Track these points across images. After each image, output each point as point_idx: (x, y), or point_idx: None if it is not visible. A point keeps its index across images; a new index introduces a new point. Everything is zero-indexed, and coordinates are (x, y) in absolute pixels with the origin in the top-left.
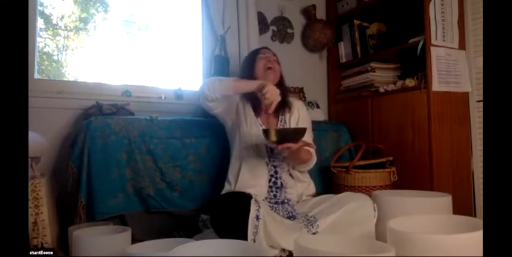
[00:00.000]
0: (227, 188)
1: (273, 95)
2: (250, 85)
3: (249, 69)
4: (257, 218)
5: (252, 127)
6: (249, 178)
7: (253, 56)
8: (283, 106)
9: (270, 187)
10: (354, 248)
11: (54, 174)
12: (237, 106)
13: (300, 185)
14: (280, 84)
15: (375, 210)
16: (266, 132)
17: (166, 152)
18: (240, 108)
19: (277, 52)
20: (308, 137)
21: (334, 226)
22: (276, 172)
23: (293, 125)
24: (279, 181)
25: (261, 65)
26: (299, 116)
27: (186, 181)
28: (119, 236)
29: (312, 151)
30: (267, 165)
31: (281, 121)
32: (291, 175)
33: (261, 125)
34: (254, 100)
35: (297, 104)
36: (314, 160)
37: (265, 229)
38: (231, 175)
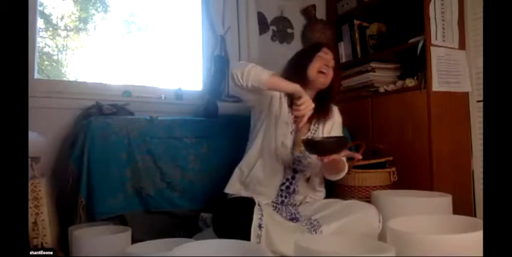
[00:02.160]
0: (238, 175)
1: (307, 108)
2: (286, 86)
3: (301, 65)
4: (259, 227)
5: (282, 123)
6: (262, 176)
7: (312, 53)
8: (323, 114)
9: (281, 190)
10: (354, 248)
11: (54, 174)
12: (272, 98)
13: (311, 193)
14: (329, 89)
15: (379, 221)
16: (308, 142)
17: (166, 152)
18: (275, 101)
19: (277, 52)
20: None
21: (337, 234)
22: (293, 177)
23: (325, 133)
24: (292, 187)
25: (316, 66)
26: (333, 124)
27: (186, 181)
28: (119, 236)
29: (344, 159)
30: (286, 168)
31: (314, 125)
32: (307, 181)
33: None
34: (292, 96)
35: (334, 110)
36: (346, 168)
37: (268, 236)
38: (244, 165)
